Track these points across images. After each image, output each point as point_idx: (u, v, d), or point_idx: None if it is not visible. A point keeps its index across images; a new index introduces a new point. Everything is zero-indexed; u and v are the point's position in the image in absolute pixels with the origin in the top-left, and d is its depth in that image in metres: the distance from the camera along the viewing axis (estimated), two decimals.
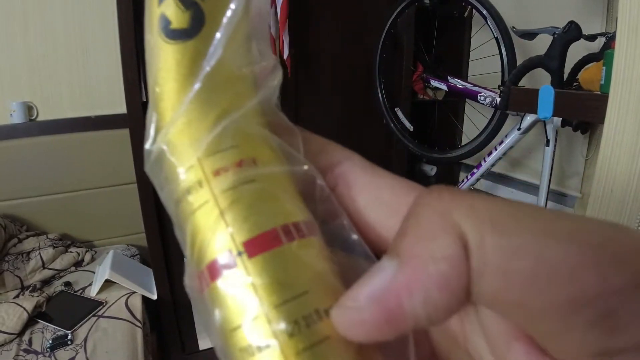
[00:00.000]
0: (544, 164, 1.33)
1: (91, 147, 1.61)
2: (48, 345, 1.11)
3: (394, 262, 0.12)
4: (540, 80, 1.31)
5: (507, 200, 0.12)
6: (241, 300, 0.12)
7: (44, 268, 1.40)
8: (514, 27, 1.35)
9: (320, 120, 1.81)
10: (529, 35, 1.29)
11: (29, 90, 1.52)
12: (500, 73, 1.40)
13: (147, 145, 0.15)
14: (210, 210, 0.13)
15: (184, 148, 0.14)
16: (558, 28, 1.13)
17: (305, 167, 0.15)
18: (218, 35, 0.14)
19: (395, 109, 1.86)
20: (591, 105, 0.84)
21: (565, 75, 1.14)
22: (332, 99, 1.87)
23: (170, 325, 1.68)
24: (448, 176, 2.12)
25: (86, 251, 1.56)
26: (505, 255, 0.11)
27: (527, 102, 1.04)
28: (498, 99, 1.43)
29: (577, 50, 1.16)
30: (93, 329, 1.19)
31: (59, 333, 1.16)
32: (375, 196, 0.15)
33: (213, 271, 0.13)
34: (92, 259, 1.55)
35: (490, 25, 1.39)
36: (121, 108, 1.51)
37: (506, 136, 1.43)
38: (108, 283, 1.34)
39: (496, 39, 1.39)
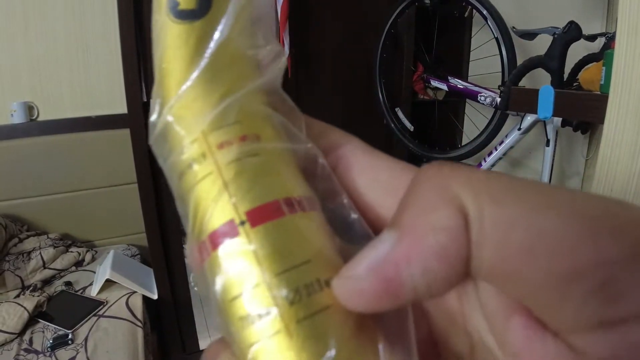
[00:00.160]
0: (544, 164, 1.33)
1: (92, 147, 1.61)
2: (49, 345, 1.12)
3: (393, 234, 0.12)
4: (540, 81, 1.31)
5: (507, 175, 0.12)
6: (242, 269, 0.13)
7: (45, 268, 1.41)
8: (514, 27, 1.36)
9: (320, 120, 1.81)
10: (529, 35, 1.29)
11: (29, 90, 1.53)
12: (501, 73, 1.40)
13: (152, 118, 0.15)
14: (214, 181, 0.13)
15: (189, 121, 0.14)
16: (558, 28, 1.13)
17: (308, 145, 0.15)
18: (225, 16, 0.14)
19: (396, 109, 1.86)
20: (591, 105, 0.84)
21: (565, 76, 1.14)
22: (332, 99, 1.87)
23: (171, 325, 1.68)
24: None
25: (87, 251, 1.56)
26: (503, 226, 0.11)
27: (527, 102, 1.04)
28: (498, 99, 1.43)
29: (577, 51, 1.16)
30: (94, 328, 1.19)
31: (60, 333, 1.16)
32: (374, 177, 0.15)
33: (215, 240, 0.13)
34: (93, 259, 1.55)
35: (491, 26, 1.39)
36: (122, 108, 1.51)
37: (506, 136, 1.43)
38: (109, 283, 1.34)
39: (496, 39, 1.39)
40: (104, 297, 1.31)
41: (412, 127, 1.84)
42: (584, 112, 0.89)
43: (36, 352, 1.10)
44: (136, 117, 1.47)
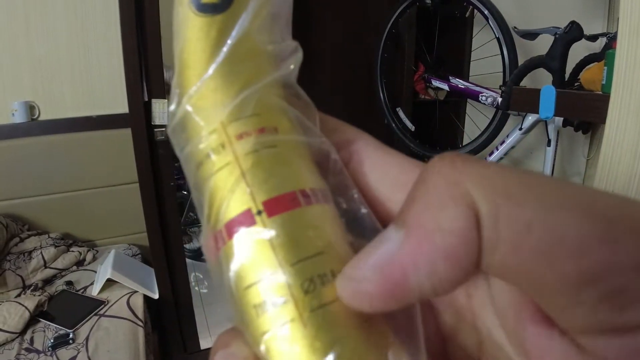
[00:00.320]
0: (545, 164, 1.33)
1: (93, 147, 1.61)
2: (50, 344, 1.12)
3: (400, 232, 0.12)
4: (541, 81, 1.31)
5: (520, 170, 0.11)
6: (258, 258, 0.13)
7: (46, 267, 1.41)
8: (515, 27, 1.35)
9: None
10: (531, 35, 1.29)
11: (30, 89, 1.53)
12: (502, 73, 1.40)
13: (171, 108, 0.15)
14: (231, 171, 0.14)
15: (208, 112, 0.14)
16: (559, 28, 1.13)
17: (322, 139, 0.15)
18: (246, 11, 0.14)
19: (397, 109, 1.86)
20: (592, 105, 0.84)
21: (567, 76, 1.14)
22: (333, 99, 1.87)
23: (172, 324, 1.69)
24: None
25: (88, 250, 1.56)
26: (518, 227, 0.10)
27: (529, 102, 1.04)
28: (499, 99, 1.43)
29: (578, 51, 1.16)
30: (95, 328, 1.19)
31: (61, 332, 1.16)
32: (385, 172, 0.15)
33: (231, 229, 0.13)
34: (94, 259, 1.56)
35: (492, 25, 1.39)
36: (123, 108, 1.52)
37: (507, 136, 1.43)
38: (110, 282, 1.34)
39: (498, 39, 1.39)
40: (105, 296, 1.31)
41: (413, 127, 1.84)
42: (585, 112, 0.89)
43: (37, 352, 1.11)
44: (137, 117, 1.47)
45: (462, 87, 1.66)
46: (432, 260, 0.11)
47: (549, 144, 1.31)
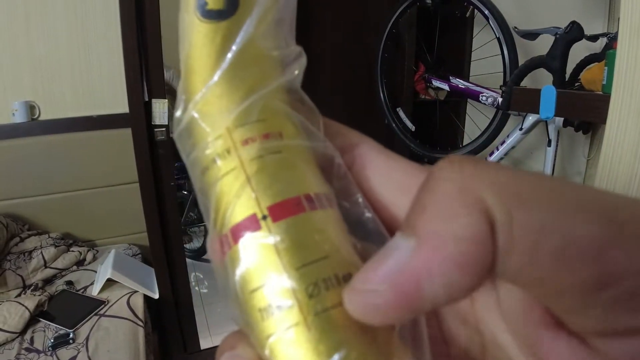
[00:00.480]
0: (546, 164, 1.33)
1: (93, 147, 1.61)
2: (50, 344, 1.12)
3: (410, 241, 0.11)
4: (542, 81, 1.31)
5: (529, 173, 0.11)
6: (263, 262, 0.13)
7: (46, 267, 1.41)
8: (516, 27, 1.35)
9: None
10: (531, 35, 1.29)
11: (31, 89, 1.53)
12: (502, 73, 1.40)
13: (177, 113, 0.15)
14: (237, 176, 0.14)
15: (214, 117, 0.14)
16: (560, 28, 1.13)
17: (326, 144, 0.15)
18: (250, 17, 0.15)
19: (397, 109, 1.86)
20: (593, 105, 0.84)
21: (567, 76, 1.14)
22: (333, 99, 1.87)
23: (172, 324, 1.69)
24: None
25: (88, 250, 1.56)
26: (532, 232, 0.10)
27: (529, 102, 1.04)
28: (500, 99, 1.43)
29: (579, 51, 1.16)
30: (95, 328, 1.19)
31: (61, 332, 1.16)
32: (389, 176, 0.15)
33: (236, 233, 0.13)
34: (94, 258, 1.56)
35: (492, 26, 1.39)
36: (123, 108, 1.52)
37: (508, 136, 1.43)
38: (110, 282, 1.34)
39: (498, 39, 1.38)
40: (105, 296, 1.31)
41: (414, 127, 1.84)
42: (586, 112, 0.89)
43: (37, 352, 1.11)
44: (137, 117, 1.47)
45: (463, 87, 1.66)
46: (447, 269, 0.11)
47: (549, 144, 1.31)
